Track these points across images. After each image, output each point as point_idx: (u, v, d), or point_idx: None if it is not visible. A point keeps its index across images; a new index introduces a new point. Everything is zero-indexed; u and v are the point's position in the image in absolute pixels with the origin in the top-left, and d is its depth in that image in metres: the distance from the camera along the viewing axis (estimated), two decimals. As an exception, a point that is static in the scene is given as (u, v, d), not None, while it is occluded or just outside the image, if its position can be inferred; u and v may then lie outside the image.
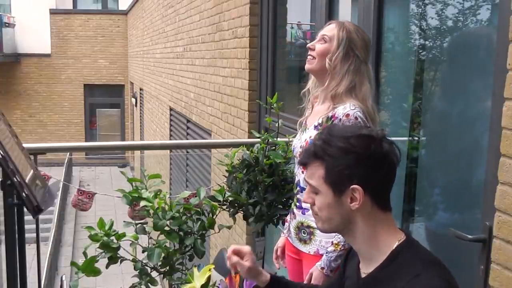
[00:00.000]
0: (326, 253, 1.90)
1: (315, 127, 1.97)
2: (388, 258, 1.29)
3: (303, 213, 2.01)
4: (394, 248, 1.29)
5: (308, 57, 2.01)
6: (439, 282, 1.21)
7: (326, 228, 1.37)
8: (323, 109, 1.97)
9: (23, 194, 1.52)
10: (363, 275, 1.36)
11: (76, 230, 11.35)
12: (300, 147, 2.01)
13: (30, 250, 2.10)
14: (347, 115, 1.85)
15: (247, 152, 2.47)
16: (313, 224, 1.96)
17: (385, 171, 1.30)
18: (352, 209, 1.29)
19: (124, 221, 2.47)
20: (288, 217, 2.24)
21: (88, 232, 2.39)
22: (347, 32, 1.93)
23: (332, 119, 1.89)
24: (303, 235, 2.02)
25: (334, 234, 1.88)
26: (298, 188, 2.05)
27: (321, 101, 2.03)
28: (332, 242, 1.88)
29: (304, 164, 1.40)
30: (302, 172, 1.99)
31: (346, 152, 1.28)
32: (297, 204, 2.05)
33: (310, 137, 1.95)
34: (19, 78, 17.34)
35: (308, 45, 2.02)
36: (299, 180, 2.04)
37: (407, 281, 1.21)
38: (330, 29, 1.98)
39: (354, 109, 1.86)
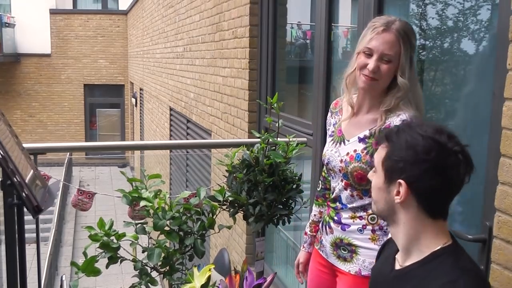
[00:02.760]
0: None
1: (361, 139, 1.81)
2: (428, 257, 1.29)
3: (343, 229, 1.88)
4: (436, 249, 1.29)
5: (367, 77, 1.76)
6: None
7: (374, 209, 1.41)
8: (371, 120, 1.81)
9: (23, 194, 1.52)
10: (397, 267, 1.37)
11: (76, 230, 11.36)
12: (341, 161, 1.84)
13: (30, 250, 2.10)
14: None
15: (247, 152, 2.47)
16: (356, 242, 1.86)
17: (441, 182, 1.26)
18: (395, 201, 1.31)
19: (124, 221, 2.47)
20: (307, 230, 2.16)
21: (88, 232, 2.39)
22: (409, 41, 1.73)
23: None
24: (343, 252, 1.89)
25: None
26: (338, 204, 1.91)
27: (365, 110, 1.84)
28: None
29: (378, 142, 1.43)
30: (346, 189, 1.86)
31: (407, 147, 1.28)
32: (335, 218, 1.91)
33: (355, 151, 1.80)
34: (19, 78, 17.35)
35: (371, 68, 1.74)
36: (340, 196, 1.89)
37: (440, 284, 1.20)
38: (392, 44, 1.72)
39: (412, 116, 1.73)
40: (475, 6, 2.20)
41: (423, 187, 1.27)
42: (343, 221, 1.89)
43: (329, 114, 2.05)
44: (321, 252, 2.02)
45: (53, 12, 17.40)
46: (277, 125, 2.50)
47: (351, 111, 1.88)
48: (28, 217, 1.59)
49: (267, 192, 2.40)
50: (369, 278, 1.57)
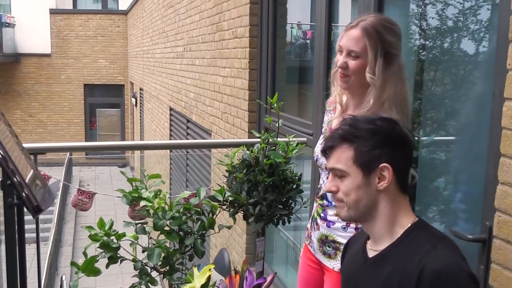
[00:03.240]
0: None
1: None
2: (402, 235, 1.35)
3: (328, 226, 1.90)
4: (408, 226, 1.35)
5: (341, 75, 1.79)
6: (455, 253, 1.28)
7: (352, 214, 1.40)
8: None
9: (23, 194, 1.52)
10: (371, 254, 1.41)
11: (76, 230, 11.36)
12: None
13: (30, 250, 2.10)
14: None
15: (247, 152, 2.47)
16: (339, 240, 1.87)
17: (408, 153, 1.38)
18: (379, 189, 1.35)
19: (124, 221, 2.47)
20: (308, 226, 2.14)
21: (88, 232, 2.39)
22: (378, 35, 1.71)
23: None
24: (328, 248, 1.92)
25: None
26: (325, 201, 1.93)
27: (352, 109, 1.85)
28: None
29: (328, 149, 1.41)
30: None
31: (374, 133, 1.35)
32: (322, 215, 1.94)
33: None
34: (19, 78, 17.35)
35: (339, 64, 1.78)
36: (326, 194, 1.90)
37: (424, 252, 1.26)
38: (357, 40, 1.72)
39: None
40: (475, 6, 2.20)
41: (400, 162, 1.36)
42: (328, 218, 1.91)
43: (325, 112, 2.08)
44: (310, 248, 2.04)
45: (53, 12, 17.40)
46: (277, 125, 2.50)
47: (339, 109, 1.91)
48: (28, 217, 1.59)
49: (267, 192, 2.40)
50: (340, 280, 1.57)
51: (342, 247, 1.80)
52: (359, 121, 1.39)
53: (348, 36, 1.76)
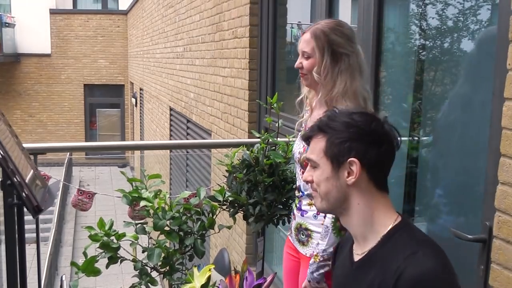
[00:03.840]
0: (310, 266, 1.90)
1: None
2: (383, 238, 1.32)
3: (302, 215, 2.03)
4: (389, 228, 1.32)
5: (300, 75, 2.00)
6: (435, 260, 1.23)
7: (324, 205, 1.40)
8: (319, 115, 1.97)
9: (23, 194, 1.52)
10: (356, 258, 1.39)
11: (76, 230, 11.36)
12: (299, 153, 2.01)
13: (30, 250, 2.10)
14: None
15: (247, 152, 2.47)
16: (311, 227, 2.00)
17: (384, 150, 1.34)
18: (348, 183, 1.33)
19: (124, 221, 2.47)
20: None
21: (88, 232, 2.39)
22: (324, 36, 1.90)
23: None
24: (302, 236, 2.04)
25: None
26: (299, 192, 2.06)
27: (318, 107, 2.03)
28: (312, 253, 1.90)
29: (307, 139, 1.43)
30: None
31: (347, 126, 1.33)
32: (297, 205, 2.07)
33: None
34: (19, 78, 17.35)
35: (295, 65, 2.00)
36: (300, 185, 2.05)
37: (404, 258, 1.23)
38: (307, 42, 1.94)
39: None
40: (475, 6, 2.20)
41: (372, 158, 1.32)
42: (302, 207, 2.03)
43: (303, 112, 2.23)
44: (290, 238, 2.15)
45: (53, 12, 17.39)
46: (277, 125, 2.50)
47: (309, 109, 2.09)
48: (28, 217, 1.59)
49: (267, 192, 2.40)
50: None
51: (314, 234, 1.96)
52: (338, 113, 1.38)
53: (302, 39, 1.97)
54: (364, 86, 1.95)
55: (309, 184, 1.44)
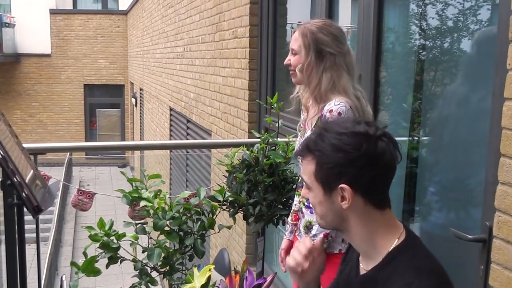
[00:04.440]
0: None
1: (311, 130, 2.00)
2: (384, 260, 1.26)
3: (312, 212, 1.99)
4: (391, 249, 1.26)
5: (291, 71, 2.04)
6: None
7: (323, 224, 1.34)
8: (314, 112, 2.02)
9: (23, 194, 1.52)
10: (361, 271, 1.35)
11: (76, 230, 11.36)
12: None
13: (30, 250, 2.10)
14: (330, 111, 1.88)
15: (247, 152, 2.47)
16: None
17: (379, 171, 1.24)
18: (343, 207, 1.25)
19: (124, 221, 2.47)
20: (288, 219, 2.24)
21: (88, 232, 2.39)
22: (311, 35, 1.94)
23: (321, 118, 1.93)
24: None
25: (340, 233, 1.88)
26: None
27: (312, 105, 2.07)
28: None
29: (299, 156, 1.37)
30: None
31: (336, 150, 1.23)
32: (306, 203, 2.05)
33: None
34: (19, 78, 17.35)
35: (284, 62, 2.05)
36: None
37: None
38: (295, 40, 1.99)
39: (339, 104, 1.89)
40: (475, 6, 2.20)
41: (365, 182, 1.24)
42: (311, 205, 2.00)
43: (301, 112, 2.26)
44: (298, 238, 2.12)
45: (53, 12, 17.39)
46: (277, 125, 2.50)
47: (304, 109, 2.14)
48: (28, 217, 1.59)
49: (267, 192, 2.40)
50: (335, 280, 1.53)
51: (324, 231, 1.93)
52: (327, 131, 1.27)
53: (292, 37, 2.03)
54: (355, 85, 1.97)
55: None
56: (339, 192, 1.24)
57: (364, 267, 1.33)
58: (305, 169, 1.31)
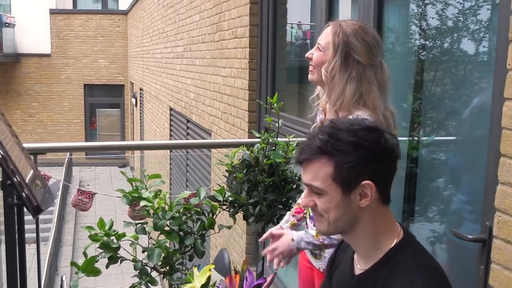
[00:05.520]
0: (305, 232, 1.86)
1: None
2: (384, 258, 1.25)
3: (315, 225, 1.93)
4: (391, 247, 1.26)
5: (310, 67, 1.87)
6: None
7: (331, 230, 1.30)
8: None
9: (23, 194, 1.52)
10: (357, 271, 1.33)
11: (76, 230, 11.36)
12: None
13: (30, 250, 2.10)
14: None
15: (247, 152, 2.47)
16: (324, 240, 1.88)
17: (393, 165, 1.25)
18: (360, 206, 1.23)
19: (124, 221, 2.47)
20: (291, 210, 2.16)
21: (88, 232, 2.39)
22: (343, 36, 1.75)
23: None
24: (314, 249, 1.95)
25: None
26: None
27: (329, 109, 1.89)
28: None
29: (304, 161, 1.26)
30: None
31: (357, 147, 1.20)
32: (311, 215, 1.94)
33: None
34: (19, 78, 17.35)
35: (306, 54, 1.88)
36: None
37: (402, 286, 1.18)
38: (326, 35, 1.80)
39: (362, 117, 1.70)
40: (475, 6, 2.20)
41: (384, 177, 1.24)
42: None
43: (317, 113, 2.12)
44: (306, 253, 2.06)
45: (53, 12, 17.39)
46: (277, 125, 2.50)
47: (322, 110, 1.97)
48: (28, 217, 1.59)
49: (267, 192, 2.40)
50: (323, 284, 1.52)
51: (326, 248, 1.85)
52: (339, 130, 1.23)
53: (323, 32, 1.84)
54: (386, 105, 1.78)
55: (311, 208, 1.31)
56: (359, 190, 1.22)
57: (361, 266, 1.32)
58: (317, 174, 1.24)
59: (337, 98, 1.76)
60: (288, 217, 2.14)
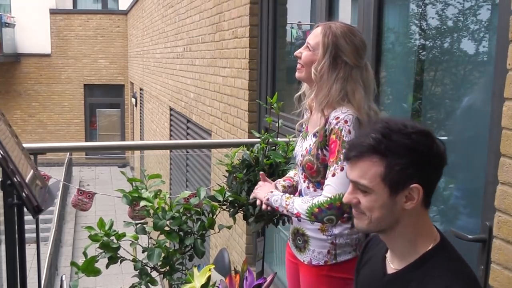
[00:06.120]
0: (282, 196, 1.92)
1: (314, 135, 1.91)
2: (420, 259, 1.26)
3: (299, 220, 1.95)
4: (427, 250, 1.26)
5: (298, 65, 1.94)
6: None
7: (371, 229, 1.30)
8: (318, 117, 1.90)
9: (23, 194, 1.52)
10: (390, 270, 1.34)
11: (76, 230, 11.36)
12: (301, 155, 1.94)
13: (30, 250, 2.10)
14: (337, 117, 1.78)
15: (247, 152, 2.47)
16: (308, 232, 1.95)
17: (440, 171, 1.26)
18: (405, 208, 1.24)
19: (124, 221, 2.47)
20: (282, 178, 2.21)
21: (88, 232, 2.39)
22: (333, 37, 1.81)
23: (326, 124, 1.83)
24: (299, 242, 2.00)
25: (327, 245, 1.89)
26: (300, 196, 2.00)
27: (316, 108, 1.95)
28: (300, 212, 1.83)
29: (354, 158, 1.27)
30: (304, 181, 1.96)
31: (410, 150, 1.21)
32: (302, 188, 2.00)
33: (310, 145, 1.90)
34: (19, 78, 17.35)
35: (295, 53, 1.94)
36: (301, 189, 1.99)
37: None
38: (315, 35, 1.87)
39: (346, 112, 1.79)
40: (475, 6, 2.20)
41: (432, 183, 1.25)
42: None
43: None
44: (289, 243, 2.11)
45: (53, 12, 17.39)
46: (277, 125, 2.50)
47: (308, 109, 2.04)
48: (28, 217, 1.59)
49: (267, 192, 2.39)
50: (355, 282, 1.53)
51: (310, 240, 1.91)
52: (393, 131, 1.23)
53: (313, 32, 1.91)
54: (370, 104, 1.85)
55: (354, 204, 1.31)
56: (406, 192, 1.22)
57: (394, 265, 1.32)
58: (366, 172, 1.24)
59: (324, 97, 1.83)
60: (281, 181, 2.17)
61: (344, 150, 1.68)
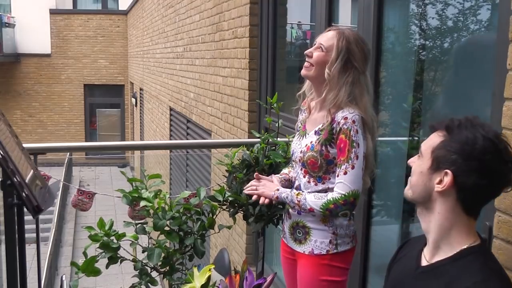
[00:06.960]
0: (291, 192, 1.98)
1: (316, 132, 1.98)
2: (458, 254, 1.31)
3: (299, 213, 2.02)
4: (466, 247, 1.31)
5: (306, 63, 2.00)
6: None
7: (409, 194, 1.40)
8: (322, 116, 1.98)
9: (23, 194, 1.52)
10: (424, 263, 1.38)
11: (76, 230, 11.36)
12: (301, 152, 2.00)
13: (30, 250, 2.10)
14: (345, 118, 1.87)
15: (247, 152, 2.47)
16: (309, 224, 2.01)
17: (486, 184, 1.28)
18: (435, 189, 1.32)
19: (124, 221, 2.47)
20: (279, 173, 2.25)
21: (88, 232, 2.39)
22: (346, 43, 1.91)
23: (332, 122, 1.91)
24: (298, 235, 2.05)
25: (328, 235, 1.97)
26: (300, 191, 2.04)
27: (318, 109, 2.02)
28: (315, 207, 1.92)
29: (431, 128, 1.40)
30: (304, 176, 2.01)
31: (466, 142, 1.28)
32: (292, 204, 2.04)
33: (311, 142, 1.97)
34: (19, 78, 17.35)
35: (306, 51, 2.00)
36: (299, 184, 2.04)
37: (473, 283, 1.22)
38: (329, 38, 1.95)
39: (353, 112, 1.88)
40: (475, 6, 2.20)
41: (467, 184, 1.28)
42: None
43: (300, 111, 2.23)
44: (284, 240, 2.16)
45: (53, 12, 17.39)
46: (277, 125, 2.50)
47: (307, 108, 2.10)
48: (28, 217, 1.59)
49: (267, 192, 2.39)
50: (388, 279, 1.57)
51: (312, 231, 1.99)
52: (474, 125, 1.30)
53: (324, 34, 2.00)
54: (372, 109, 1.96)
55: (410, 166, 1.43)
56: (441, 174, 1.31)
57: (428, 258, 1.37)
58: (429, 139, 1.37)
59: (333, 98, 1.92)
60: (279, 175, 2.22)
61: (353, 149, 1.84)
